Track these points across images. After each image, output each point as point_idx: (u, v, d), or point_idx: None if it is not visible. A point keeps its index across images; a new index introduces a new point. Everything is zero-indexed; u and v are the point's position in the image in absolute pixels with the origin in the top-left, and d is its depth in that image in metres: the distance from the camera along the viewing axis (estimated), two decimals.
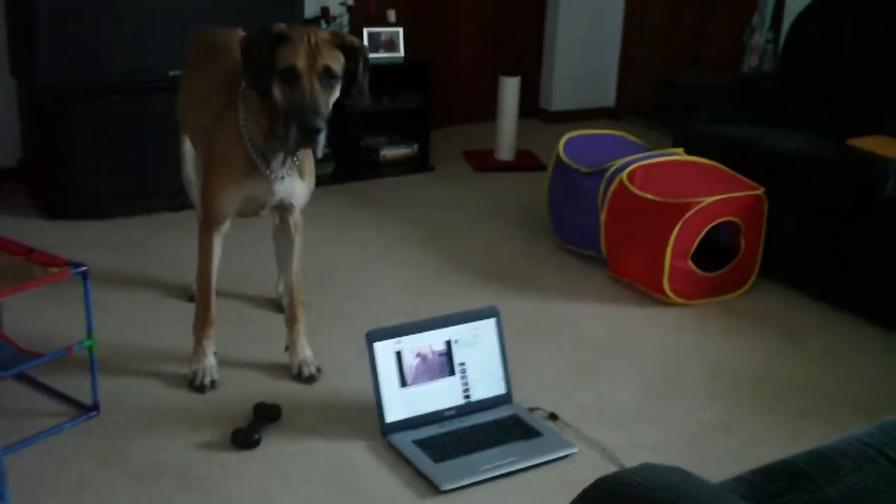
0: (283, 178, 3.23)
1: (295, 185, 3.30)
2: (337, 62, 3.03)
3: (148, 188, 4.92)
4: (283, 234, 3.51)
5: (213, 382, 3.39)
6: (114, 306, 3.94)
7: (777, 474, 2.12)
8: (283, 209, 3.40)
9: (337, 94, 3.07)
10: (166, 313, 3.91)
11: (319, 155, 3.09)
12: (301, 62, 2.96)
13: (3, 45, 5.09)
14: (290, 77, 2.97)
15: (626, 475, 1.77)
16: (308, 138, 2.96)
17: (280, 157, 3.18)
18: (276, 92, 3.00)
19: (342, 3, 5.82)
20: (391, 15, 5.94)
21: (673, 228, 4.05)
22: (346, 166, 5.72)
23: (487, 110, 6.31)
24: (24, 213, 4.92)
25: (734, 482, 2.06)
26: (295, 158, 3.23)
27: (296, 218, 3.45)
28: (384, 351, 3.15)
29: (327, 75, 2.99)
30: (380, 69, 5.75)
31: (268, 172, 3.19)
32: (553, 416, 3.29)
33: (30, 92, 4.94)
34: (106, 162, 4.85)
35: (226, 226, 3.35)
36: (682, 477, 1.79)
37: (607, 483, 1.76)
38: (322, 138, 2.99)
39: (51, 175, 4.93)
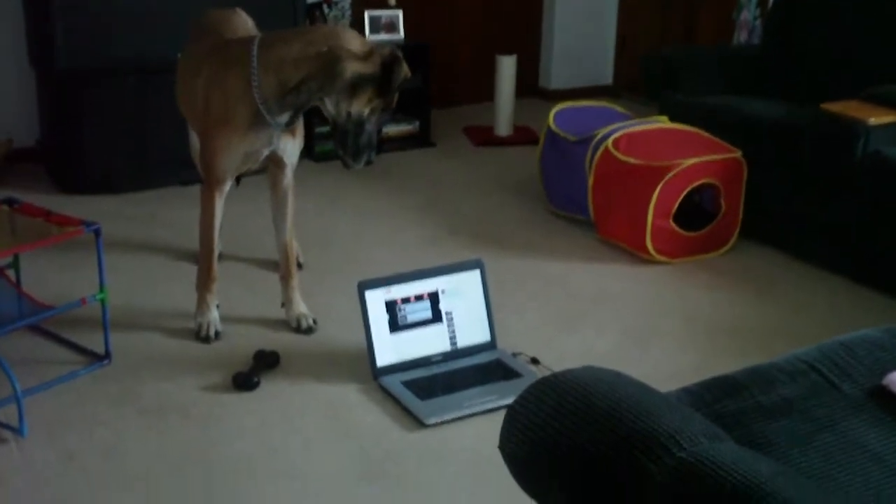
0: (283, 129, 3.47)
1: (288, 142, 3.55)
2: None
3: (159, 164, 5.16)
4: (275, 196, 3.74)
5: (217, 334, 3.63)
6: (125, 269, 4.18)
7: (716, 385, 2.35)
8: (276, 167, 3.63)
9: None
10: (175, 275, 4.15)
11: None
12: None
13: (22, 36, 5.33)
14: (385, 110, 3.35)
15: (565, 374, 2.00)
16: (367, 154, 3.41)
17: (288, 113, 3.41)
18: (363, 108, 3.29)
19: None
20: None
21: (654, 190, 4.26)
22: None
23: (488, 89, 6.52)
24: (43, 189, 5.16)
25: (676, 392, 2.29)
26: (300, 114, 3.49)
27: (288, 178, 3.68)
28: (374, 300, 3.38)
29: None
30: None
31: (273, 123, 3.41)
32: (535, 361, 3.50)
33: (47, 77, 5.19)
34: (118, 140, 5.11)
35: (227, 185, 3.58)
36: (616, 377, 2.01)
37: (549, 381, 1.98)
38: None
39: (67, 153, 5.19)
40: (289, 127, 3.50)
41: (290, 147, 3.60)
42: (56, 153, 5.31)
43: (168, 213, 4.87)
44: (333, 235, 4.67)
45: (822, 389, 2.26)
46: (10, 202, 3.52)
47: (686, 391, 2.26)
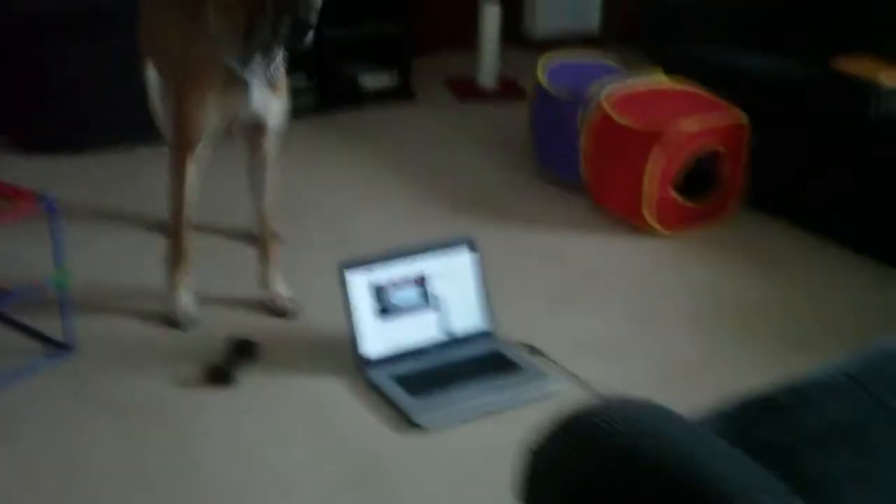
0: (260, 83, 3.14)
1: (270, 101, 3.22)
2: None
3: (125, 122, 4.79)
4: (255, 162, 3.43)
5: (189, 319, 3.35)
6: (89, 242, 3.88)
7: (753, 406, 2.10)
8: (257, 129, 3.31)
9: None
10: (143, 249, 3.85)
11: (307, 43, 2.99)
12: None
13: None
14: None
15: (595, 412, 1.74)
16: (301, 32, 2.90)
17: (258, 58, 3.08)
18: None
19: None
20: None
21: (652, 155, 3.99)
22: (326, 96, 5.62)
23: (470, 36, 6.20)
24: None
25: (710, 416, 2.04)
26: (274, 62, 3.13)
27: (270, 143, 3.37)
28: (358, 283, 3.11)
29: None
30: None
31: (245, 75, 3.09)
32: (533, 350, 3.25)
33: (2, 21, 4.83)
34: (81, 94, 4.75)
35: (200, 150, 3.26)
36: (654, 413, 1.76)
37: (578, 423, 1.73)
38: (311, 34, 2.94)
39: (23, 107, 4.84)
40: (267, 79, 3.16)
41: (273, 107, 3.26)
42: (11, 108, 4.96)
43: (136, 176, 4.53)
44: (309, 202, 4.37)
45: (874, 411, 2.02)
46: None
47: (722, 416, 2.01)
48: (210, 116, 3.17)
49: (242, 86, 3.13)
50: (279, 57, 3.15)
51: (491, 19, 5.93)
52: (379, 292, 3.13)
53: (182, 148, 3.25)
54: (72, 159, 4.71)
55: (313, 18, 2.88)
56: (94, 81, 4.75)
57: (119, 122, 4.82)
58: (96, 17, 4.69)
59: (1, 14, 4.74)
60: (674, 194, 4.09)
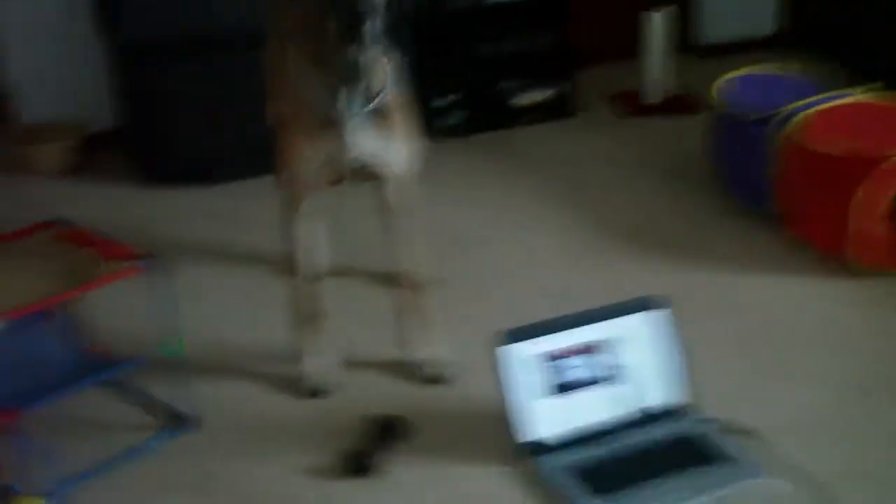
0: (359, 120, 2.64)
1: (381, 145, 2.71)
2: None
3: (254, 150, 4.37)
4: (383, 217, 2.91)
5: (323, 387, 2.87)
6: (213, 286, 3.47)
7: None
8: (375, 180, 2.81)
9: None
10: (272, 295, 3.36)
11: (368, 44, 2.49)
12: None
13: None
14: None
15: None
16: (351, 27, 2.44)
17: (345, 92, 2.59)
18: None
19: None
20: None
21: (859, 186, 3.37)
22: (477, 115, 5.13)
23: (632, 45, 5.61)
24: (122, 180, 4.46)
25: None
26: (372, 94, 2.64)
27: (395, 195, 2.84)
28: (523, 355, 2.57)
29: None
30: (512, 3, 5.18)
31: (337, 113, 2.61)
32: (742, 431, 2.65)
33: (117, 48, 4.46)
34: (207, 122, 4.36)
35: (308, 204, 2.81)
36: None
37: None
38: (369, 29, 2.46)
39: (148, 138, 4.48)
40: (371, 112, 2.64)
41: (388, 152, 2.73)
42: (136, 139, 4.60)
43: (266, 208, 4.04)
44: (460, 240, 3.83)
45: None
46: (59, 225, 2.82)
47: None
48: (310, 165, 2.72)
49: (339, 131, 2.65)
50: (380, 89, 2.66)
51: (657, 26, 5.33)
52: (548, 364, 2.59)
53: (288, 202, 2.84)
54: (197, 191, 4.31)
55: (362, 6, 2.43)
56: (219, 108, 4.36)
57: (247, 151, 4.41)
58: (217, 43, 4.30)
59: (114, 42, 4.40)
60: (886, 229, 3.45)
